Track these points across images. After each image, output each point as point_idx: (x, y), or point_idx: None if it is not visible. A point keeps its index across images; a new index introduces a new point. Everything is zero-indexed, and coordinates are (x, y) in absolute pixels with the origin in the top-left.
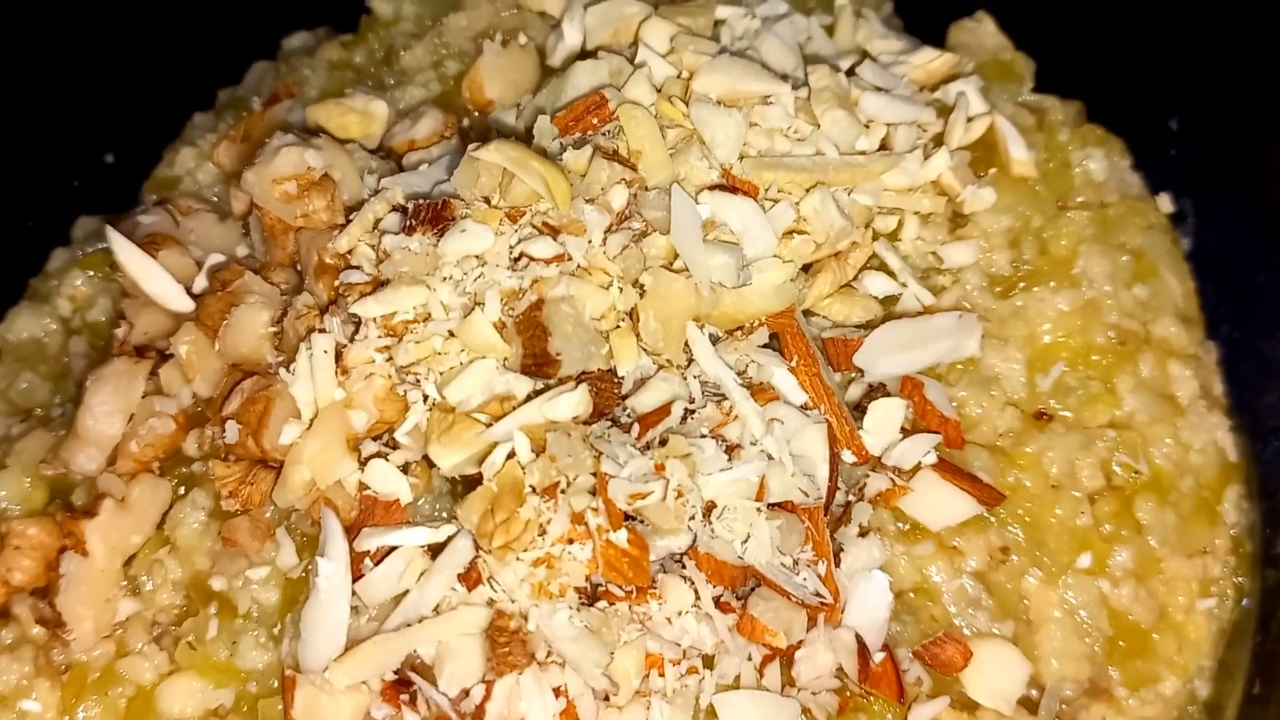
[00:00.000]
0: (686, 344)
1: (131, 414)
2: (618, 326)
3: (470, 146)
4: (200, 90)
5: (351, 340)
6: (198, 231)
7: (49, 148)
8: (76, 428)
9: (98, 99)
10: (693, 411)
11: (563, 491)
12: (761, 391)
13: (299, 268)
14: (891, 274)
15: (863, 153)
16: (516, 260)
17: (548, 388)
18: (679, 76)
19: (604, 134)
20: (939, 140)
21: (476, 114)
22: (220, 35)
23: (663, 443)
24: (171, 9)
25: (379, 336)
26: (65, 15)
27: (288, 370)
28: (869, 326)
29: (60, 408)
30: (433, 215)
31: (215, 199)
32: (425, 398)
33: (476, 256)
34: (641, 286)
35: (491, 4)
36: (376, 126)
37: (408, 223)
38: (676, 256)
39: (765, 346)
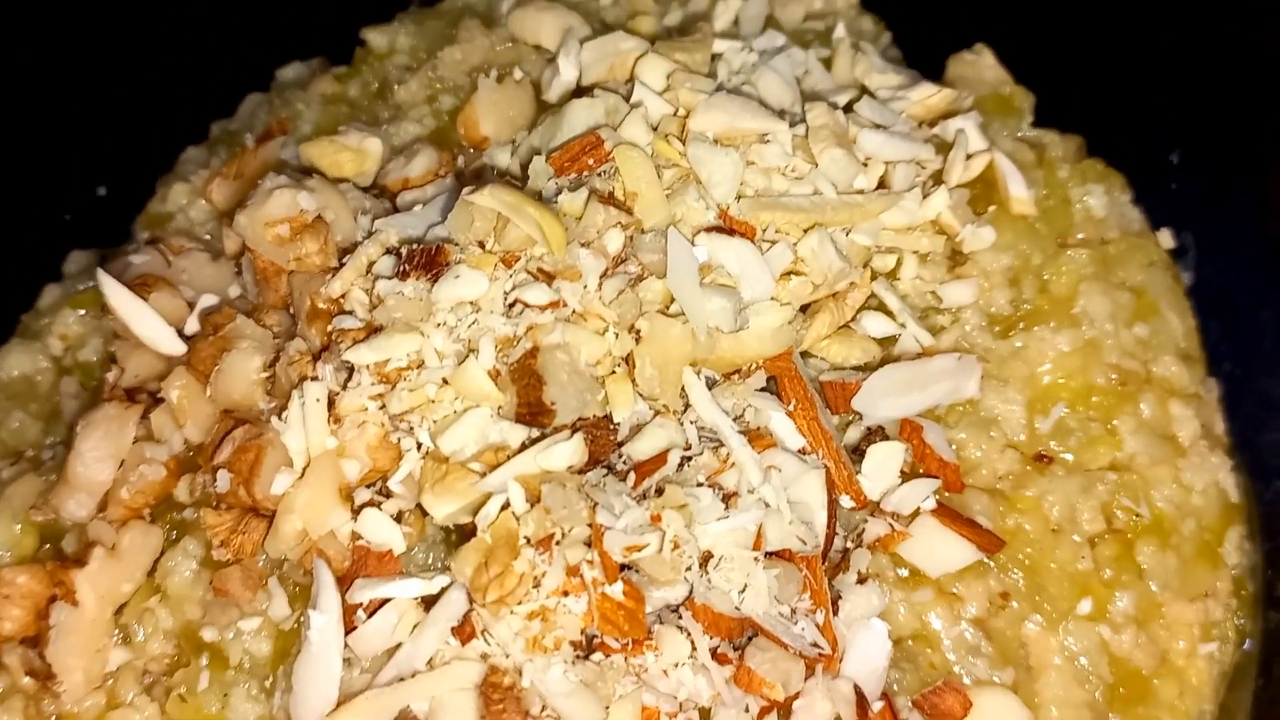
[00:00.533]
0: (683, 389)
1: (122, 460)
2: (613, 372)
3: (465, 190)
4: (193, 122)
5: (344, 387)
6: (190, 271)
7: (41, 180)
8: (67, 474)
9: (90, 131)
10: (689, 459)
11: (558, 543)
12: (759, 438)
13: (292, 310)
14: (890, 314)
15: (861, 191)
16: (511, 306)
17: (543, 435)
18: (675, 114)
19: (600, 174)
20: (938, 177)
21: (471, 150)
22: (214, 66)
23: (659, 492)
24: (164, 39)
25: (372, 384)
26: (58, 46)
27: (279, 418)
28: (867, 368)
29: (51, 450)
30: (426, 260)
31: (208, 237)
32: (419, 446)
33: (471, 303)
34: (638, 332)
35: (486, 38)
36: (370, 164)
37: (401, 268)
38: (673, 300)
39: (763, 390)
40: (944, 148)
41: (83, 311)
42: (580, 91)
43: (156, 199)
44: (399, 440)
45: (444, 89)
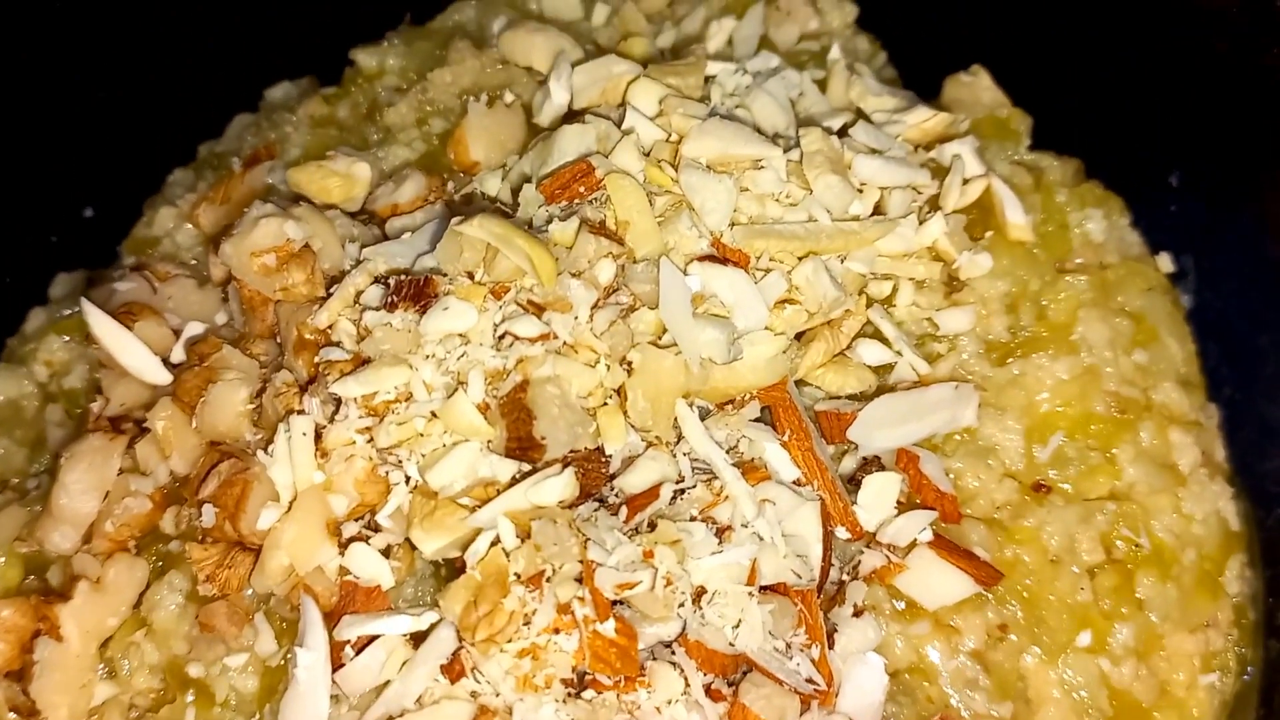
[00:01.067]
0: (676, 420)
1: (107, 491)
2: (605, 404)
3: (454, 220)
4: (181, 143)
5: (331, 420)
6: (176, 299)
7: (27, 202)
8: (51, 506)
9: (77, 152)
10: (682, 491)
11: (548, 580)
12: (753, 470)
13: (279, 340)
14: (886, 341)
15: (856, 217)
16: (501, 338)
17: (534, 469)
18: (668, 139)
19: (590, 202)
20: (934, 203)
21: (461, 175)
22: (201, 86)
23: (651, 526)
24: (151, 59)
25: (359, 416)
26: (44, 66)
27: (266, 451)
28: (863, 396)
29: (36, 478)
30: (415, 292)
31: (194, 262)
32: (407, 479)
33: (460, 335)
34: (629, 364)
35: (477, 59)
36: (359, 189)
37: (389, 299)
38: (665, 331)
39: (757, 420)
40: (940, 172)
41: (67, 338)
42: (572, 115)
43: (143, 222)
44: (387, 474)
45: (434, 111)
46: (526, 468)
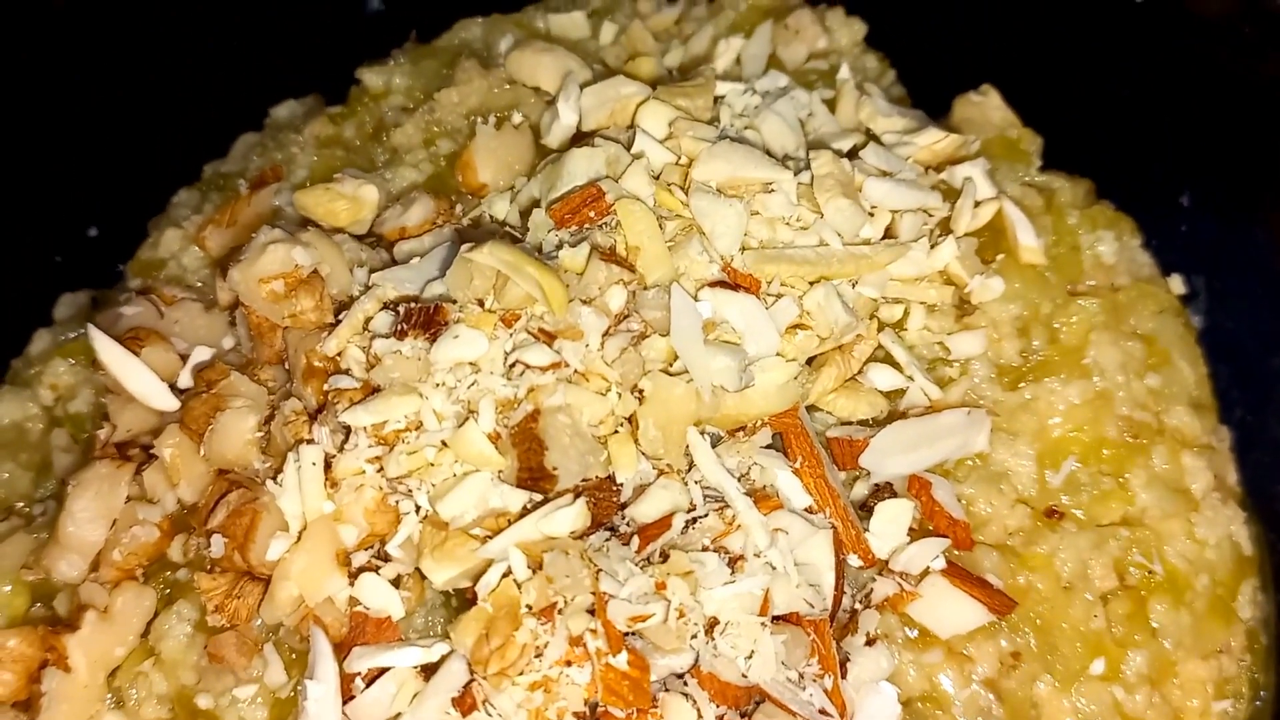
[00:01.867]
0: (687, 448)
1: (114, 519)
2: (616, 432)
3: (464, 247)
4: (186, 162)
5: (341, 449)
6: (182, 323)
7: (31, 222)
8: (58, 534)
9: (81, 172)
10: (694, 521)
11: (560, 612)
12: (764, 498)
13: (286, 366)
14: (897, 366)
15: (868, 241)
16: (511, 367)
17: (545, 500)
18: (678, 162)
19: (600, 227)
20: (945, 225)
21: (469, 197)
22: (206, 105)
23: (664, 557)
24: (156, 78)
25: (369, 445)
26: (47, 85)
27: (275, 480)
28: (875, 422)
29: (42, 504)
30: (425, 320)
31: (200, 285)
32: (417, 509)
33: (470, 363)
34: (640, 392)
35: (484, 79)
36: (366, 212)
37: (399, 326)
38: (676, 358)
39: (768, 446)
40: (951, 194)
41: (72, 361)
42: (580, 136)
43: (148, 243)
44: (397, 503)
45: (441, 132)
46: (538, 498)
